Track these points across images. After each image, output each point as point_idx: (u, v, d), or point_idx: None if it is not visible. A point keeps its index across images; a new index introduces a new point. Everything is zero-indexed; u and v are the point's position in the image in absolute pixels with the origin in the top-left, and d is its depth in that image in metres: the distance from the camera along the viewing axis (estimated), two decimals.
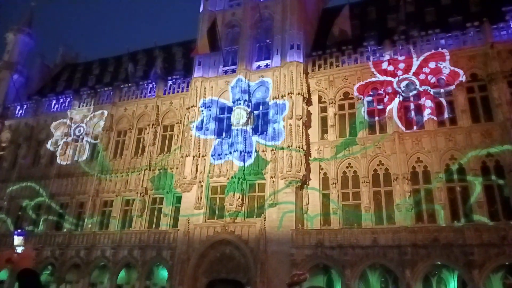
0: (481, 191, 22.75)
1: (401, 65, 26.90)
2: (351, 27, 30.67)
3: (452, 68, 25.61)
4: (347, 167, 26.29)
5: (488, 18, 26.23)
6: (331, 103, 28.03)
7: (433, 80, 25.93)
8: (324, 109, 28.43)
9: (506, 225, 21.31)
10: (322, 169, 26.62)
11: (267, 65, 29.54)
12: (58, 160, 35.08)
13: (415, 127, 25.23)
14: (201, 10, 33.16)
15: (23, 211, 35.24)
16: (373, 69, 27.50)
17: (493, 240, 20.83)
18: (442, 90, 25.60)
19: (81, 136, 35.42)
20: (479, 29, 26.09)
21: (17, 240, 3.59)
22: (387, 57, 27.29)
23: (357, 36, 30.75)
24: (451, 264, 21.48)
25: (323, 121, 28.11)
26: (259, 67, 29.86)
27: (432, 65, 26.12)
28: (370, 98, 27.14)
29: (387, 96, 26.35)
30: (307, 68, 28.96)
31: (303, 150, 26.12)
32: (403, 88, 26.22)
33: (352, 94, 27.90)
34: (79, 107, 36.92)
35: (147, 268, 27.86)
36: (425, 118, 25.19)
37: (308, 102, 28.23)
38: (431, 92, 25.60)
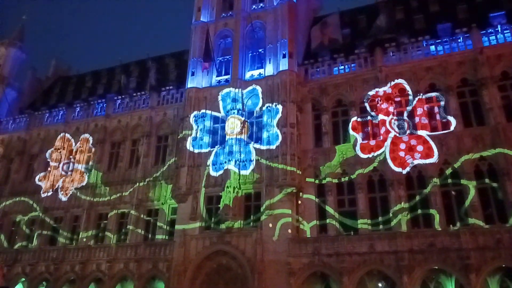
0: (475, 195, 22.88)
1: (394, 72, 27.15)
2: (342, 35, 31.03)
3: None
4: (342, 174, 26.36)
5: (476, 24, 26.68)
6: (325, 111, 28.19)
7: (425, 85, 26.22)
8: (317, 117, 28.58)
9: (501, 228, 21.42)
10: (317, 176, 26.66)
11: (260, 74, 29.71)
12: (51, 178, 34.63)
13: (408, 133, 25.36)
14: (193, 21, 33.35)
15: (16, 226, 34.81)
16: (365, 77, 27.78)
17: (489, 244, 20.95)
18: (434, 95, 25.76)
19: (74, 149, 35.13)
20: (468, 35, 26.49)
21: None
22: (378, 64, 27.54)
23: (348, 44, 31.09)
24: (448, 268, 21.53)
25: (317, 128, 28.22)
26: (252, 76, 30.01)
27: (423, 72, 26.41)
28: (363, 105, 27.28)
29: (380, 103, 26.51)
30: (299, 76, 29.15)
31: (298, 158, 26.17)
32: (396, 94, 26.43)
33: (345, 102, 28.10)
34: (72, 119, 36.76)
35: (144, 281, 27.56)
36: (417, 124, 25.30)
37: (302, 110, 28.38)
38: (423, 98, 25.79)
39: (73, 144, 35.26)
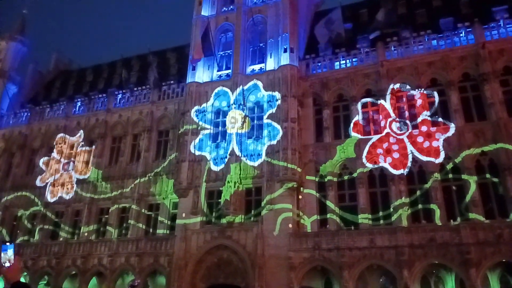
0: (476, 190, 22.88)
1: (395, 67, 27.06)
2: (344, 30, 30.85)
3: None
4: (342, 169, 26.36)
5: (479, 18, 26.51)
6: (326, 106, 28.14)
7: (426, 80, 26.13)
8: (318, 112, 28.53)
9: (502, 223, 21.44)
10: (318, 171, 26.66)
11: (261, 69, 29.63)
12: (52, 168, 34.75)
13: (409, 128, 25.30)
14: (193, 15, 33.23)
15: (18, 220, 34.96)
16: (367, 72, 27.70)
17: (489, 239, 20.97)
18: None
19: (75, 144, 35.15)
20: (470, 30, 26.34)
21: (5, 254, 3.56)
22: (380, 58, 27.45)
23: (350, 38, 30.93)
24: (448, 263, 21.58)
25: (318, 123, 28.19)
26: (253, 71, 29.93)
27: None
28: (364, 100, 27.21)
29: (381, 97, 26.43)
30: (301, 71, 29.06)
31: (299, 152, 26.17)
32: (397, 89, 26.34)
33: (346, 97, 28.04)
34: (73, 114, 36.78)
35: (145, 275, 27.69)
36: (419, 119, 25.25)
37: (303, 104, 28.33)
38: (425, 92, 25.71)
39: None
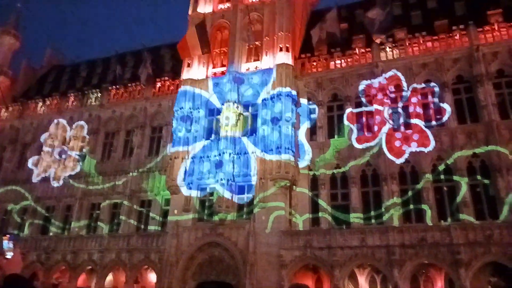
0: (467, 191, 23.04)
1: (390, 67, 27.17)
2: (340, 30, 30.91)
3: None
4: (335, 168, 26.43)
5: (473, 21, 26.71)
6: (320, 105, 28.18)
7: (421, 81, 26.26)
8: (313, 111, 28.56)
9: (492, 224, 21.59)
10: (310, 170, 26.70)
11: (256, 67, 29.58)
12: (44, 164, 34.44)
13: (402, 128, 25.43)
14: (189, 12, 33.10)
15: (8, 215, 34.62)
16: (361, 72, 27.78)
17: (479, 239, 21.12)
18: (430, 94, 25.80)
19: (67, 138, 34.87)
20: (465, 32, 26.54)
21: (7, 245, 3.51)
22: (374, 59, 27.54)
23: (346, 38, 31.01)
24: (438, 263, 21.71)
25: (312, 122, 28.22)
26: (248, 69, 29.87)
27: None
28: (359, 100, 27.29)
29: (375, 98, 26.53)
30: (296, 70, 29.07)
31: (292, 151, 26.18)
32: (391, 90, 26.46)
33: (340, 96, 28.11)
34: (66, 109, 36.49)
35: (135, 271, 27.55)
36: (412, 119, 25.37)
37: (297, 103, 28.33)
38: (419, 94, 25.82)
39: (68, 131, 34.94)
